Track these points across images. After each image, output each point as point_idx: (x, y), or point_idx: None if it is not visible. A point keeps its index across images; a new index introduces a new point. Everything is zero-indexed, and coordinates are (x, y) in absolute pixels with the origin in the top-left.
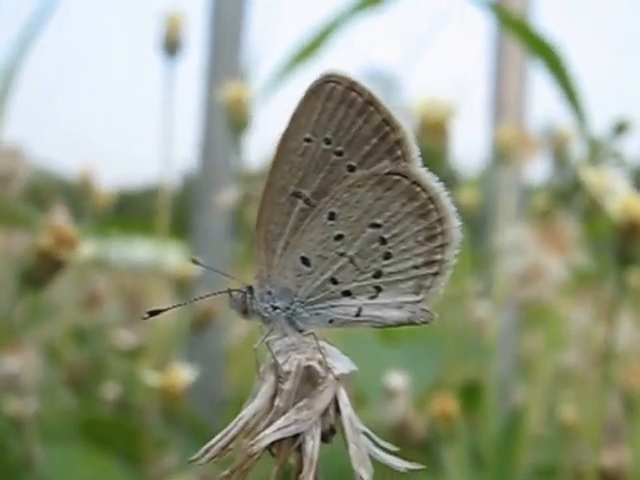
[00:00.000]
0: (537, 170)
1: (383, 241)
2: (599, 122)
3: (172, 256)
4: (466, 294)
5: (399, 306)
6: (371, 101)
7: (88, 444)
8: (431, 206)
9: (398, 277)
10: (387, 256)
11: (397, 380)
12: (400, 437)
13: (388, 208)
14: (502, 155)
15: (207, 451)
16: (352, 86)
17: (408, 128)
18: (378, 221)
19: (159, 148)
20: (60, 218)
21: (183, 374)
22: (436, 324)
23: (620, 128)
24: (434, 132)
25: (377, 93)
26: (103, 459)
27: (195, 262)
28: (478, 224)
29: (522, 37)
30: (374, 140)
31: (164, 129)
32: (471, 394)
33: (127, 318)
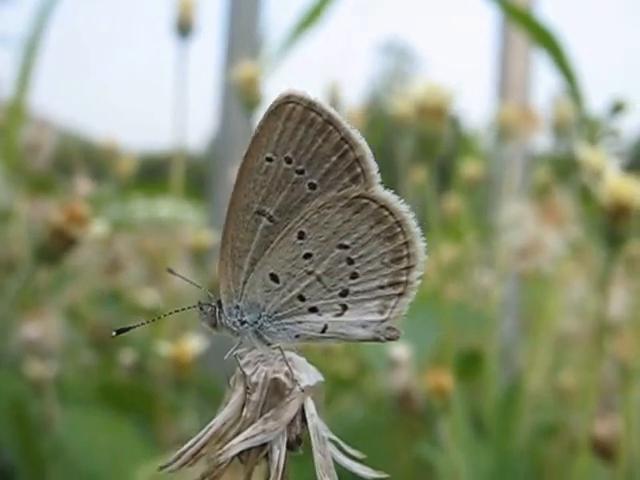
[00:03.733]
0: (540, 143)
1: (350, 261)
2: (598, 102)
3: (191, 217)
4: (471, 263)
5: (364, 325)
6: (330, 120)
7: (106, 407)
8: (398, 229)
9: (364, 296)
10: (354, 276)
11: (400, 351)
12: (402, 406)
13: (356, 230)
14: (506, 130)
15: (179, 457)
16: (311, 106)
17: (366, 146)
18: (346, 242)
19: (176, 115)
20: (83, 187)
21: (192, 344)
22: (441, 292)
23: (617, 108)
24: (433, 117)
25: (336, 112)
26: (120, 422)
27: (171, 272)
28: (483, 195)
29: (525, 26)
30: (334, 158)
31: (180, 98)
32: (474, 360)
33: (149, 279)
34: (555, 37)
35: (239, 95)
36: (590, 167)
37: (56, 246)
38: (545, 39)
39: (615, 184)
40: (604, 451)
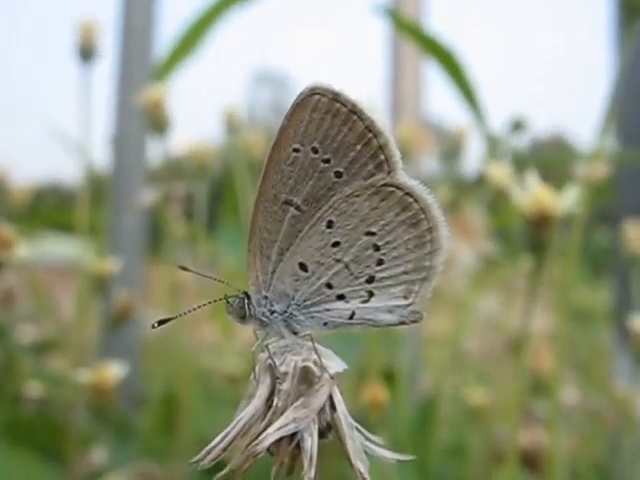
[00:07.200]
0: (434, 165)
1: (377, 248)
2: (496, 118)
3: (86, 253)
4: None
5: (390, 310)
6: (354, 110)
7: (10, 443)
8: (422, 216)
9: (389, 282)
10: (380, 262)
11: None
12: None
13: (383, 217)
14: (400, 151)
15: (209, 453)
16: (336, 97)
17: (390, 133)
18: (373, 229)
19: (73, 147)
20: None
21: (113, 370)
22: None
23: (517, 125)
24: None
25: (360, 102)
26: (27, 457)
27: (184, 269)
28: None
29: (416, 40)
30: (358, 147)
31: (80, 129)
32: (388, 378)
33: (39, 315)
34: (450, 51)
35: (146, 119)
36: (499, 181)
37: None
38: (439, 53)
39: (537, 193)
40: (530, 461)
